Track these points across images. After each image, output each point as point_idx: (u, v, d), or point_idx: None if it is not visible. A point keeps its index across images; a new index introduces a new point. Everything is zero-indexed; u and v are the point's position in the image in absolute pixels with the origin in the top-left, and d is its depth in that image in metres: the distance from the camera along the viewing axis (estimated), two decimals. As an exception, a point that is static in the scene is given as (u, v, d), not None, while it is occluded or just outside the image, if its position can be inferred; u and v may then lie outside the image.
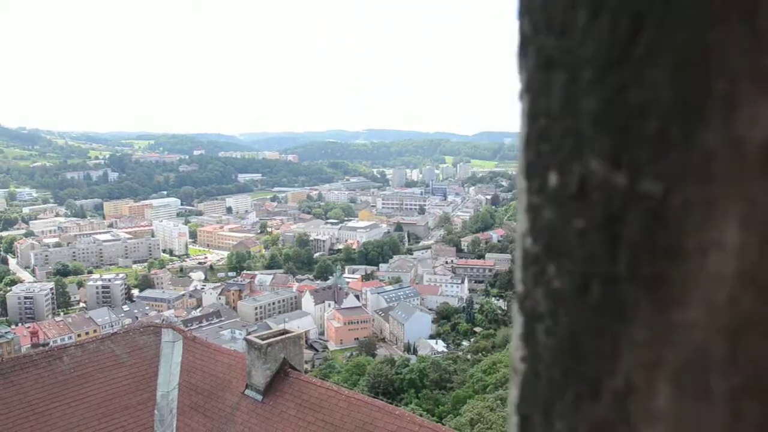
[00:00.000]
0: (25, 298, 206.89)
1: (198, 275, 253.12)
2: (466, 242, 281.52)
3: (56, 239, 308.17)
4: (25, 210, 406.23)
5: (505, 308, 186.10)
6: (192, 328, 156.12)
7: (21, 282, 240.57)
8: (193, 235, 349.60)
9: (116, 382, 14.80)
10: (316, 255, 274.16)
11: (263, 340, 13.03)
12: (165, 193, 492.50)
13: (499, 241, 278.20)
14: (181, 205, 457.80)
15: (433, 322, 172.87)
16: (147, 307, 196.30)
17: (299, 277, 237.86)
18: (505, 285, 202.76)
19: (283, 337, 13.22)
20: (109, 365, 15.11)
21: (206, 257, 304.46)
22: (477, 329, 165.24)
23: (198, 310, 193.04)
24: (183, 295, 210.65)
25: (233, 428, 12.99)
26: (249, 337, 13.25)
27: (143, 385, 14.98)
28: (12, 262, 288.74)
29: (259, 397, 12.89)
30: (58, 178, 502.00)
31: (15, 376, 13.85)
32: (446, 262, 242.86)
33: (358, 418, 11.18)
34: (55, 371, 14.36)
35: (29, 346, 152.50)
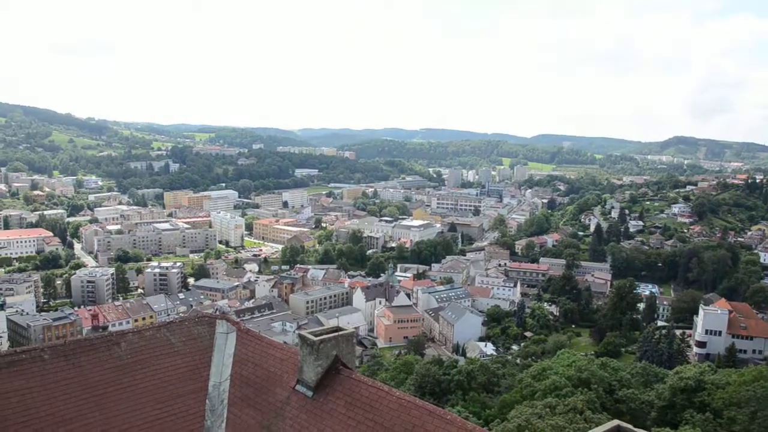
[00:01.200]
0: (88, 281, 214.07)
1: (252, 267, 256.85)
2: (520, 245, 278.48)
3: (118, 226, 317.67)
4: (91, 197, 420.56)
5: (557, 314, 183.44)
6: (244, 318, 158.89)
7: (84, 266, 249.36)
8: (249, 227, 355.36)
9: (171, 370, 15.07)
10: (369, 252, 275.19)
11: (316, 336, 13.02)
12: (223, 185, 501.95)
13: (553, 245, 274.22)
14: (239, 197, 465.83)
15: (483, 324, 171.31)
16: (202, 296, 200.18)
17: (351, 273, 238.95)
18: (559, 290, 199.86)
19: (336, 334, 13.19)
20: (164, 353, 15.39)
21: (261, 250, 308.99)
22: (527, 334, 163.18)
23: (251, 302, 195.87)
24: (237, 285, 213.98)
25: (282, 423, 13.04)
26: (302, 332, 13.28)
27: (196, 374, 15.21)
28: (77, 247, 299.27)
29: (310, 393, 12.91)
30: (122, 167, 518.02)
31: (76, 358, 14.26)
32: (499, 265, 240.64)
33: (408, 421, 11.08)
34: (113, 356, 14.72)
35: (90, 328, 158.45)
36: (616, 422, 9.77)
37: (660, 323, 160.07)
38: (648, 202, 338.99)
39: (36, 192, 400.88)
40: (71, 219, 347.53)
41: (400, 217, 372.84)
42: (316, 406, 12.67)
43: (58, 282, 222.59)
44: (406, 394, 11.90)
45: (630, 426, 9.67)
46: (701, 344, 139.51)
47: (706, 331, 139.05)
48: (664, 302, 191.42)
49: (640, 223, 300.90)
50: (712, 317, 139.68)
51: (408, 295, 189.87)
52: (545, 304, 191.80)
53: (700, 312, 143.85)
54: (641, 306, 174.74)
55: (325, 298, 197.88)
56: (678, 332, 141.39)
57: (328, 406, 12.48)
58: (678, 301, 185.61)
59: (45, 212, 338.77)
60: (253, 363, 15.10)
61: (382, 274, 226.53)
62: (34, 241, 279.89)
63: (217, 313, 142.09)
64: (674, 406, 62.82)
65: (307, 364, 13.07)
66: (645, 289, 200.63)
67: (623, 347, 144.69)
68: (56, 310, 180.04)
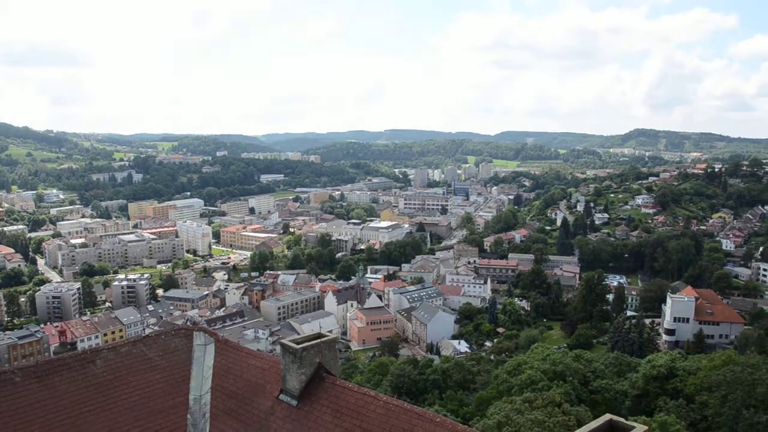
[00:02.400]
0: (53, 297, 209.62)
1: (221, 275, 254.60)
2: (488, 242, 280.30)
3: (83, 240, 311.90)
4: (53, 211, 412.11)
5: (528, 309, 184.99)
6: (216, 327, 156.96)
7: (49, 282, 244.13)
8: (216, 235, 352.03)
9: (149, 385, 14.69)
10: (339, 255, 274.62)
11: (298, 344, 12.80)
12: (188, 194, 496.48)
13: (522, 241, 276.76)
14: (205, 205, 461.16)
15: (455, 322, 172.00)
16: (171, 307, 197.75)
17: (322, 277, 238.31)
18: (528, 285, 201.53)
19: (319, 341, 12.98)
20: (141, 369, 15.01)
21: (229, 257, 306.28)
22: (500, 330, 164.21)
23: (221, 310, 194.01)
24: (207, 294, 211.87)
25: (268, 433, 12.80)
26: (284, 341, 13.04)
27: (176, 388, 14.85)
28: (41, 263, 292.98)
29: (294, 402, 12.67)
30: (84, 179, 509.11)
31: (49, 379, 13.83)
32: (469, 263, 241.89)
33: (398, 425, 10.93)
34: (89, 375, 14.30)
35: (58, 345, 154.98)
36: (608, 417, 9.70)
37: (629, 313, 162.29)
38: (612, 195, 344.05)
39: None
40: (33, 234, 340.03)
41: (368, 219, 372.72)
42: (301, 416, 12.43)
43: (22, 299, 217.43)
44: (393, 398, 11.73)
45: (622, 420, 9.63)
46: (670, 332, 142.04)
47: (675, 319, 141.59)
48: (632, 292, 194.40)
49: (606, 215, 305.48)
50: (679, 305, 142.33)
51: (379, 297, 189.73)
52: (516, 299, 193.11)
53: (668, 300, 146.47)
54: (610, 297, 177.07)
55: (296, 304, 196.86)
56: (647, 321, 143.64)
57: (314, 415, 12.25)
58: (645, 290, 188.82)
59: (5, 228, 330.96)
60: (234, 374, 14.80)
61: (352, 277, 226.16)
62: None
63: (188, 323, 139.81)
64: (648, 394, 63.69)
65: (290, 372, 12.83)
66: (613, 281, 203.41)
67: (594, 338, 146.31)
68: (21, 328, 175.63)
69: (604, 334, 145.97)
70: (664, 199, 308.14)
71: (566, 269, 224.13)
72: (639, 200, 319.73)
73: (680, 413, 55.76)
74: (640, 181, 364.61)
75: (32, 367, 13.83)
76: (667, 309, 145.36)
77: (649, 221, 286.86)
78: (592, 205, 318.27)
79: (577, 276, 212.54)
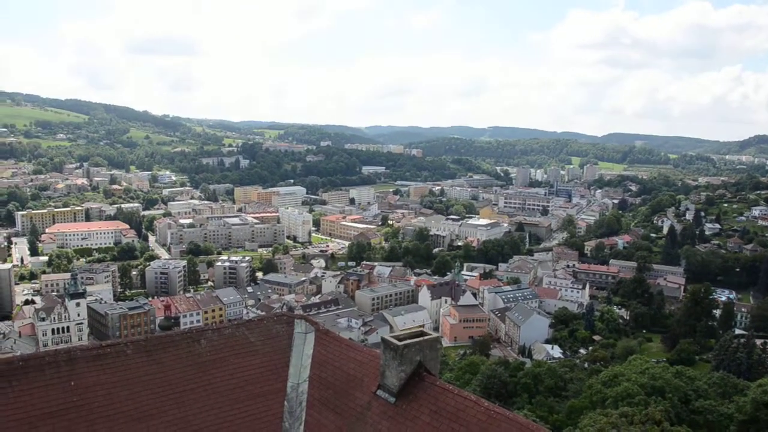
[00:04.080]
0: (161, 273, 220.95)
1: (319, 263, 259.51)
2: (589, 247, 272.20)
3: (190, 220, 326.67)
4: (165, 192, 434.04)
5: (627, 318, 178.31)
6: (311, 313, 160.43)
7: (158, 258, 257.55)
8: (316, 223, 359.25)
9: (249, 369, 14.95)
10: (436, 250, 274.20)
11: (400, 340, 12.59)
12: (292, 181, 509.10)
13: (624, 247, 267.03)
14: (307, 193, 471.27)
15: (550, 326, 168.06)
16: (269, 290, 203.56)
17: (417, 271, 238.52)
18: (629, 294, 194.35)
19: (421, 339, 12.73)
20: (243, 352, 15.29)
21: (328, 246, 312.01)
22: (596, 337, 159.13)
23: (317, 297, 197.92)
24: (304, 280, 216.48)
25: (364, 428, 12.69)
26: (385, 336, 12.87)
27: (275, 374, 15.03)
28: (152, 239, 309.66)
29: (392, 400, 12.48)
30: (194, 163, 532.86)
31: (158, 354, 14.30)
32: (567, 266, 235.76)
33: (498, 435, 10.52)
34: (193, 353, 14.69)
35: (163, 318, 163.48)
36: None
37: (738, 331, 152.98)
38: (726, 204, 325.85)
39: (114, 186, 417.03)
40: (146, 212, 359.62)
41: (467, 215, 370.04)
42: (398, 413, 12.22)
43: (134, 273, 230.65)
44: (495, 405, 11.30)
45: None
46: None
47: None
48: (743, 309, 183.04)
49: (717, 225, 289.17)
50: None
51: (474, 295, 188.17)
52: (615, 307, 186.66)
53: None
54: (717, 313, 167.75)
55: (390, 296, 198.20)
56: (758, 342, 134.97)
57: (412, 414, 12.01)
58: (759, 308, 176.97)
59: (122, 205, 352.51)
60: (333, 365, 14.79)
61: (448, 273, 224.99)
62: (112, 233, 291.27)
63: (285, 307, 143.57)
64: (757, 421, 59.59)
65: (389, 369, 12.65)
66: (721, 295, 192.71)
67: (697, 355, 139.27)
68: (132, 299, 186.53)
69: (708, 352, 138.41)
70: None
71: (670, 280, 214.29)
72: (756, 211, 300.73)
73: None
74: (758, 192, 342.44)
75: (142, 342, 14.34)
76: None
77: (767, 234, 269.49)
78: (702, 214, 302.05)
79: (682, 288, 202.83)
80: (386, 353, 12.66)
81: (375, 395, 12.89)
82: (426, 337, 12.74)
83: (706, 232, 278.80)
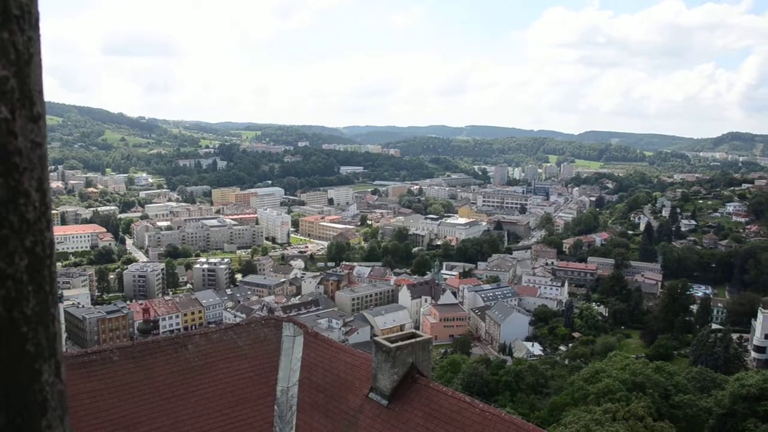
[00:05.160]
0: (139, 276, 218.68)
1: (298, 264, 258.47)
2: (567, 244, 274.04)
3: (168, 222, 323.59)
4: (142, 194, 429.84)
5: (606, 315, 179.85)
6: (290, 315, 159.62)
7: (136, 261, 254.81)
8: (295, 224, 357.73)
9: (238, 373, 14.77)
10: (415, 250, 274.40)
11: (392, 342, 12.51)
12: (270, 182, 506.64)
13: (602, 244, 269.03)
14: (285, 194, 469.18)
15: (530, 324, 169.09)
16: (249, 292, 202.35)
17: (397, 270, 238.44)
18: (607, 290, 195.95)
19: (413, 341, 12.66)
20: (231, 356, 15.10)
21: (307, 246, 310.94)
22: (575, 334, 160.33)
23: (297, 298, 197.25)
24: (283, 282, 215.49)
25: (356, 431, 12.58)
26: (377, 338, 12.79)
27: (264, 378, 14.87)
28: (129, 242, 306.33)
29: (385, 402, 12.38)
30: (171, 165, 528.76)
31: (144, 360, 14.06)
32: (546, 264, 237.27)
33: (494, 436, 10.48)
34: (181, 358, 14.48)
35: (141, 321, 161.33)
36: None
37: (714, 326, 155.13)
38: (701, 201, 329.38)
39: (90, 189, 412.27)
40: (123, 215, 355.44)
41: (446, 214, 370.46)
42: (392, 416, 12.14)
43: (111, 276, 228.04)
44: (489, 406, 11.25)
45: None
46: (760, 349, 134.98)
47: (766, 336, 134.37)
48: (719, 304, 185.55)
49: (693, 222, 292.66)
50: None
51: (454, 294, 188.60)
52: (594, 304, 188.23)
53: (759, 315, 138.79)
54: (694, 308, 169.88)
55: (370, 296, 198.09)
56: (734, 336, 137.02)
57: (405, 416, 11.94)
58: (734, 303, 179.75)
59: (98, 208, 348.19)
60: (323, 368, 14.68)
61: (427, 272, 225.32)
62: (88, 236, 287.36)
63: (265, 309, 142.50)
64: (735, 414, 60.43)
65: (381, 371, 12.57)
66: (698, 291, 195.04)
67: (675, 350, 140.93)
68: (110, 303, 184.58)
69: (686, 347, 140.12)
70: (759, 207, 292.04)
71: (648, 276, 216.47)
72: (730, 208, 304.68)
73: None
74: (732, 188, 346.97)
75: (129, 348, 14.13)
76: (758, 325, 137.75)
77: (741, 230, 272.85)
78: (678, 210, 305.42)
79: (660, 284, 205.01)
80: (378, 355, 12.57)
81: (367, 398, 12.79)
82: (418, 339, 12.68)
83: (682, 229, 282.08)
